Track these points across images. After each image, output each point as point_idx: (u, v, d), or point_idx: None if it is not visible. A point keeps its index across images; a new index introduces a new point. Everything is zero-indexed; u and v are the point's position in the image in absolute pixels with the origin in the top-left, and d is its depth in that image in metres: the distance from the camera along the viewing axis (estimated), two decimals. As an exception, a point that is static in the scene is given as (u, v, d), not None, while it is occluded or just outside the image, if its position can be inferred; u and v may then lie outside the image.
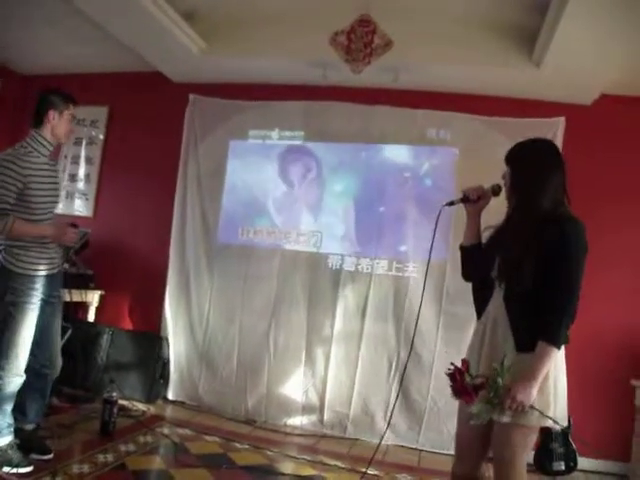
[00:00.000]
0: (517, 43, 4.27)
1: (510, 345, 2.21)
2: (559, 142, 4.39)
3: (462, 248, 2.56)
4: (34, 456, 3.33)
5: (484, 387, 2.14)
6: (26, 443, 3.36)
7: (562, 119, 4.57)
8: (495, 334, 2.29)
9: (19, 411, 3.37)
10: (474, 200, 2.48)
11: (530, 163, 2.32)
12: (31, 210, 3.16)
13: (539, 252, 2.15)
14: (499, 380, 2.10)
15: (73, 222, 3.38)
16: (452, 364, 2.21)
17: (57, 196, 3.42)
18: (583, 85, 4.37)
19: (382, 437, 3.36)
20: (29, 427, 3.44)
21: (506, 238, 2.31)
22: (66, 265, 3.36)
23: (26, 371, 3.26)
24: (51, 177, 3.30)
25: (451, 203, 2.54)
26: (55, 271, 3.36)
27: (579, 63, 3.96)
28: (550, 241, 2.15)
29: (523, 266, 2.15)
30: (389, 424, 4.15)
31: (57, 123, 3.27)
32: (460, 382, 2.16)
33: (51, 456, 3.38)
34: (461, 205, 2.52)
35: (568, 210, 2.29)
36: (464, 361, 2.23)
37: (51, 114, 3.24)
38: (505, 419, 2.16)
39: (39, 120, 3.25)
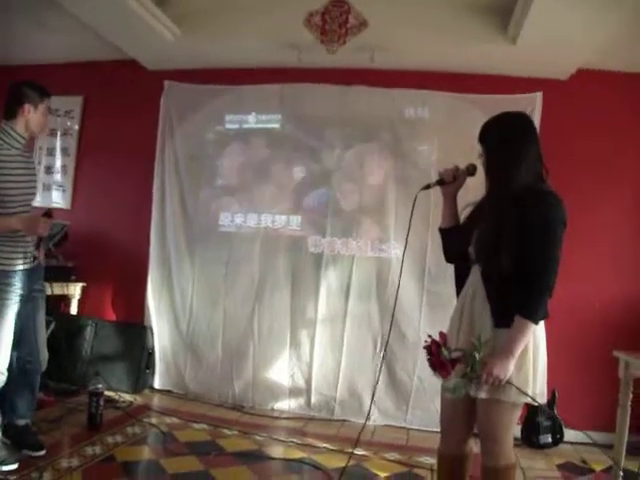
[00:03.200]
0: (492, 20, 4.25)
1: (488, 321, 2.21)
2: (537, 118, 4.40)
3: (441, 230, 2.55)
4: (26, 452, 3.32)
5: (461, 361, 2.15)
6: (18, 439, 3.37)
7: (539, 94, 4.57)
8: (473, 310, 2.30)
9: (9, 407, 3.37)
10: (450, 181, 2.47)
11: (502, 139, 2.30)
12: (4, 204, 3.09)
13: (516, 229, 2.13)
14: (476, 354, 2.11)
15: (47, 211, 3.23)
16: (429, 336, 2.21)
17: (33, 188, 3.35)
18: (559, 60, 4.37)
19: (367, 416, 3.37)
20: (21, 422, 3.43)
21: (483, 217, 2.31)
22: (39, 258, 3.25)
23: (12, 367, 3.23)
24: (25, 169, 3.24)
25: (427, 187, 2.51)
26: (34, 265, 3.30)
27: (555, 38, 3.94)
28: (527, 216, 2.14)
29: (500, 247, 2.13)
30: (372, 403, 4.17)
31: (32, 117, 3.21)
32: (437, 355, 2.16)
33: (44, 452, 3.36)
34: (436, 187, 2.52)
35: (545, 184, 2.28)
36: (442, 334, 2.22)
37: (26, 107, 3.18)
38: (482, 394, 2.17)
39: (11, 112, 3.18)
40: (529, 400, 2.19)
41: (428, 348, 2.19)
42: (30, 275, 3.27)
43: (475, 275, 2.33)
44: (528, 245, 2.12)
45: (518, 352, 2.12)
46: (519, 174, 2.22)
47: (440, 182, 2.48)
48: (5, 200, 3.10)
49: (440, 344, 2.17)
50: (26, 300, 3.26)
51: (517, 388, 2.14)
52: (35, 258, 3.24)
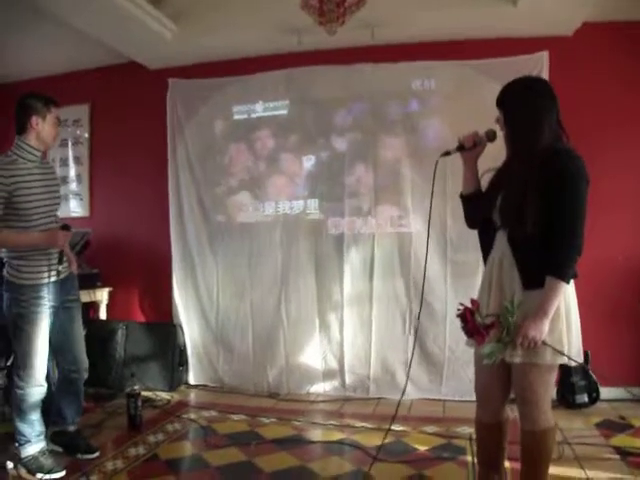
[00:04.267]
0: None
1: (517, 283, 2.22)
2: (544, 77, 4.34)
3: (463, 197, 2.56)
4: (81, 456, 3.41)
5: (495, 326, 2.15)
6: (71, 445, 3.47)
7: (545, 53, 4.49)
8: (501, 274, 2.30)
9: (58, 415, 3.47)
10: (470, 147, 2.46)
11: (523, 103, 2.30)
12: (26, 217, 3.14)
13: (541, 191, 2.14)
14: (509, 318, 2.11)
15: (65, 223, 3.31)
16: (461, 304, 2.20)
17: (55, 198, 3.38)
18: (563, 16, 4.27)
19: (403, 392, 3.37)
20: (71, 429, 3.54)
21: (507, 182, 2.31)
22: (59, 267, 3.28)
23: (54, 377, 3.30)
24: (45, 181, 3.27)
25: (447, 153, 2.51)
26: (63, 276, 3.34)
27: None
28: (551, 178, 2.14)
29: (525, 211, 2.14)
30: (408, 378, 4.16)
31: (41, 128, 3.23)
32: (471, 322, 2.16)
33: (97, 454, 3.45)
34: (456, 154, 2.51)
35: (566, 145, 2.27)
36: (474, 301, 2.22)
37: (34, 120, 3.20)
38: (517, 359, 2.18)
39: (22, 127, 3.21)
40: (565, 360, 2.19)
41: (462, 316, 2.20)
42: (61, 286, 3.32)
43: (501, 240, 2.33)
44: (555, 205, 2.13)
45: (552, 313, 2.13)
46: (542, 136, 2.23)
47: (460, 148, 2.48)
48: (27, 214, 3.14)
49: (473, 310, 2.18)
50: (60, 311, 3.33)
51: (553, 348, 2.14)
52: (59, 272, 3.27)
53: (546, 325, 2.12)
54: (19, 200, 3.10)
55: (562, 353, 2.16)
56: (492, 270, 2.36)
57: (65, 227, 3.27)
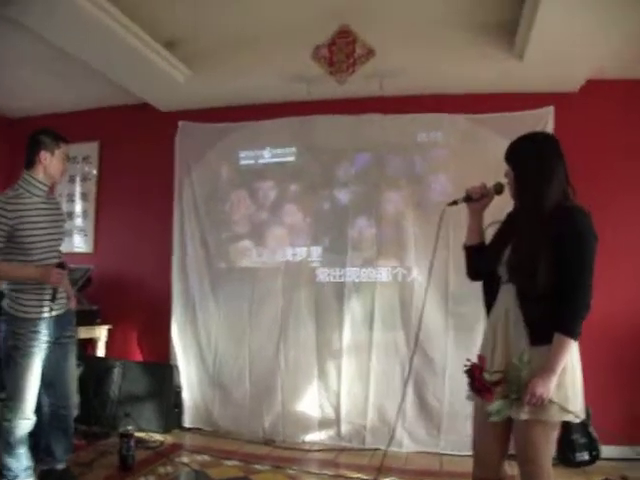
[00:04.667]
0: (498, 38, 4.25)
1: (525, 339, 2.20)
2: (549, 132, 4.39)
3: (467, 248, 2.55)
4: None
5: (501, 383, 2.13)
6: None
7: (551, 109, 4.55)
8: (507, 329, 2.28)
9: (46, 453, 3.42)
10: (477, 199, 2.47)
11: (533, 158, 2.31)
12: (27, 251, 3.16)
13: (550, 248, 2.15)
14: (518, 375, 2.10)
15: (60, 263, 3.31)
16: (468, 360, 2.19)
17: (58, 234, 3.41)
18: (568, 73, 4.36)
19: (389, 440, 3.32)
20: (60, 467, 3.48)
21: (516, 237, 2.31)
22: (52, 304, 3.26)
23: (43, 413, 3.27)
24: (49, 216, 3.31)
25: (454, 203, 2.53)
26: (62, 312, 3.35)
27: (561, 50, 3.93)
28: (560, 234, 2.16)
29: (537, 267, 2.14)
30: (394, 428, 4.10)
31: (49, 163, 3.28)
32: (479, 379, 2.14)
33: None
34: (458, 206, 2.53)
35: (573, 202, 2.29)
36: (481, 357, 2.21)
37: (42, 155, 3.25)
38: (524, 416, 2.15)
39: (30, 161, 3.27)
40: (570, 418, 2.18)
41: (469, 372, 2.19)
42: (58, 322, 3.32)
43: (506, 294, 2.32)
44: (564, 262, 2.14)
45: (559, 370, 2.12)
46: (550, 192, 2.24)
47: (467, 199, 2.49)
48: (28, 248, 3.16)
49: (482, 367, 2.17)
50: (55, 346, 3.31)
51: (560, 406, 2.12)
52: (52, 309, 3.26)
53: (554, 382, 2.10)
54: (22, 234, 3.13)
55: (569, 411, 2.14)
56: (496, 324, 2.34)
57: (61, 265, 3.28)
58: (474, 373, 2.16)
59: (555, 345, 2.12)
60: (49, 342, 3.26)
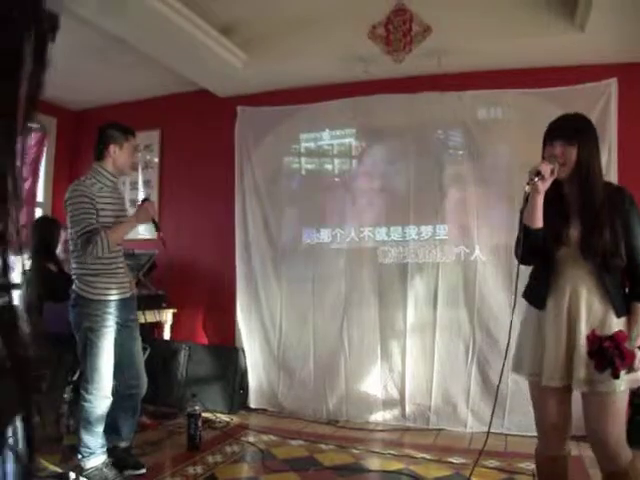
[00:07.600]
0: (558, 9, 4.11)
1: (611, 313, 2.25)
2: (613, 105, 4.26)
3: (533, 232, 2.38)
4: (129, 472, 3.46)
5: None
6: (121, 460, 3.51)
7: (614, 80, 4.38)
8: (590, 305, 2.27)
9: (113, 431, 3.52)
10: (547, 177, 2.37)
11: (596, 139, 2.38)
12: None
13: (617, 224, 2.23)
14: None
15: (146, 197, 3.71)
16: (593, 332, 2.20)
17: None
18: (632, 41, 4.16)
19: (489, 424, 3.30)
20: (123, 445, 3.59)
21: (583, 217, 2.31)
22: (161, 234, 3.67)
23: (114, 393, 3.39)
24: (116, 209, 3.46)
25: (532, 180, 2.33)
26: (127, 295, 3.48)
27: (624, 19, 3.78)
28: (619, 210, 2.24)
29: (618, 244, 2.22)
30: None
31: (118, 156, 3.42)
32: (621, 348, 2.15)
33: (144, 471, 3.50)
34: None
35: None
36: (621, 332, 2.21)
37: (112, 148, 3.39)
38: (623, 386, 2.20)
39: (100, 154, 3.41)
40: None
41: (612, 339, 2.17)
42: (126, 305, 3.46)
43: (571, 272, 2.32)
44: (630, 234, 2.24)
45: None
46: (600, 168, 2.37)
47: (542, 177, 2.38)
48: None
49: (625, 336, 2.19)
50: (123, 329, 3.44)
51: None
52: (164, 242, 3.66)
53: None
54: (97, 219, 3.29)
55: None
56: (569, 302, 2.31)
57: (146, 200, 3.58)
58: (619, 341, 2.15)
59: (636, 314, 2.24)
60: (118, 324, 3.40)
